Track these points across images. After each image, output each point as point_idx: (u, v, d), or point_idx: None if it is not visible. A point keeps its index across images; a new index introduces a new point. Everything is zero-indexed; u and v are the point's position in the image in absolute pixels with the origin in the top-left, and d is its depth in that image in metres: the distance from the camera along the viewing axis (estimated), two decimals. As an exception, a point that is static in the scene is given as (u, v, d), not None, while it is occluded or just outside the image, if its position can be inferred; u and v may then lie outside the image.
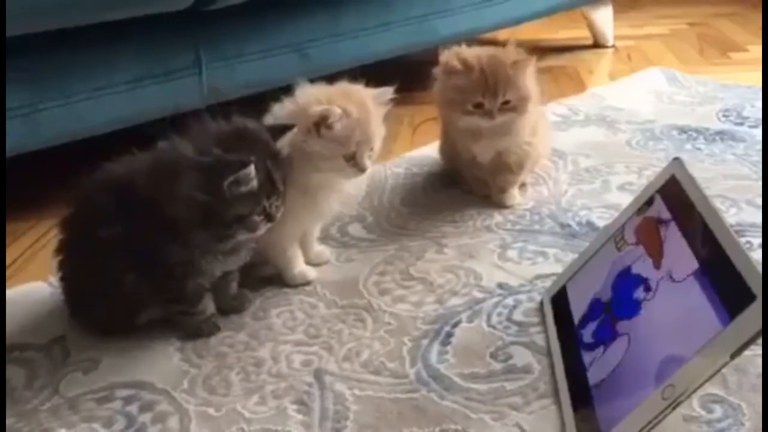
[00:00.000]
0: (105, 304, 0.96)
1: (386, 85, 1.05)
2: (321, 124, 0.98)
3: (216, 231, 0.90)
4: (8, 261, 1.22)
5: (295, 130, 0.96)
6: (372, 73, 1.11)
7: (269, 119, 1.02)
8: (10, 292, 1.10)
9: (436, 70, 1.23)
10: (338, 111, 0.98)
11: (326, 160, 1.01)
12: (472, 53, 1.20)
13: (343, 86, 1.05)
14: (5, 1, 1.03)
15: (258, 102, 1.06)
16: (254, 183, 0.88)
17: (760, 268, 0.64)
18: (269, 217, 0.93)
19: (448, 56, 1.20)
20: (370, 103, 1.03)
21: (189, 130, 0.93)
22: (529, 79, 1.20)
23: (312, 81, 1.06)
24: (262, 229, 0.93)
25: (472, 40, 1.40)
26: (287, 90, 1.04)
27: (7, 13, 1.05)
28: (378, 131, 1.04)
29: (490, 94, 1.17)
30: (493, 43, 1.24)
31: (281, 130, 0.95)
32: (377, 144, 1.05)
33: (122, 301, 0.95)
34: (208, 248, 0.93)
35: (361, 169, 1.03)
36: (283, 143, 0.95)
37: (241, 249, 0.97)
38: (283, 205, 0.95)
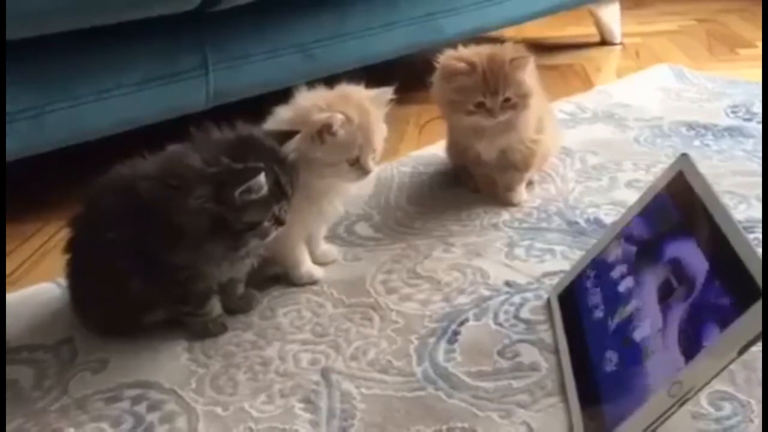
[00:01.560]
0: (109, 305, 0.97)
1: (389, 84, 1.05)
2: (324, 131, 0.98)
3: (227, 241, 0.91)
4: (17, 262, 1.23)
5: (299, 135, 0.96)
6: (377, 73, 1.11)
7: (270, 123, 1.02)
8: (19, 294, 1.10)
9: (434, 76, 1.22)
10: (340, 117, 0.98)
11: (330, 166, 1.01)
12: (470, 53, 1.20)
13: (342, 89, 1.05)
14: (5, 1, 1.03)
15: (261, 104, 1.07)
16: (265, 190, 0.88)
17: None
18: (279, 222, 0.94)
19: (445, 59, 1.21)
20: (369, 105, 1.03)
21: (194, 138, 0.93)
22: (529, 75, 1.20)
23: (313, 83, 1.06)
24: (273, 235, 0.94)
25: (478, 39, 1.40)
26: (290, 92, 1.05)
27: (12, 15, 1.06)
28: (379, 132, 1.04)
29: (490, 93, 1.17)
30: (498, 41, 1.24)
31: (286, 135, 0.95)
32: (380, 145, 1.05)
33: (127, 302, 0.95)
34: (219, 257, 0.93)
35: (366, 172, 1.03)
36: (289, 148, 0.95)
37: (250, 256, 0.97)
38: (290, 207, 0.95)
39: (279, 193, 0.92)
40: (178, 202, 0.88)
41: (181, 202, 0.87)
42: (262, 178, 0.87)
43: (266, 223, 0.92)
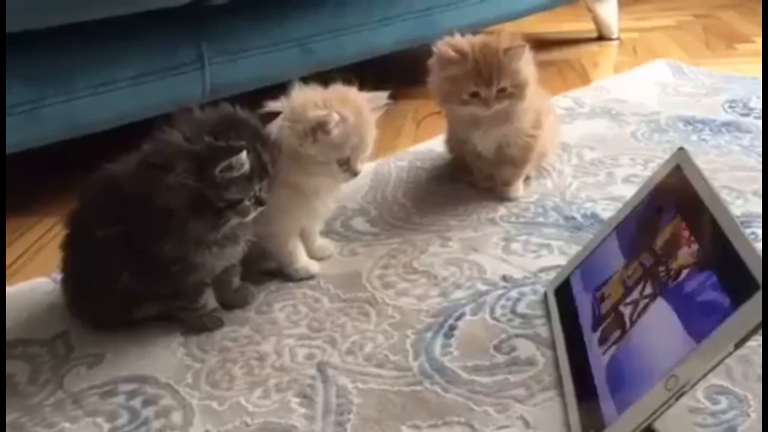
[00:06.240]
0: (100, 300, 0.96)
1: (387, 79, 1.05)
2: (318, 129, 0.98)
3: (208, 219, 0.90)
4: (12, 257, 1.22)
5: (282, 116, 0.97)
6: (375, 68, 1.11)
7: None
8: (15, 288, 1.10)
9: (431, 61, 1.22)
10: (336, 117, 0.97)
11: (320, 165, 1.01)
12: (465, 42, 1.19)
13: (338, 89, 1.04)
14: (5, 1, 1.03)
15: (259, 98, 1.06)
16: (246, 167, 0.88)
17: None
18: (259, 201, 0.93)
19: (441, 46, 1.20)
20: (365, 107, 1.02)
21: (176, 118, 0.92)
22: (525, 65, 1.19)
23: (308, 78, 1.05)
24: (253, 214, 0.93)
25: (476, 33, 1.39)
26: (287, 87, 1.04)
27: (10, 9, 1.05)
28: (372, 136, 1.04)
29: (484, 83, 1.16)
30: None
31: (269, 116, 0.96)
32: (370, 148, 1.05)
33: (118, 297, 0.95)
34: (202, 240, 0.92)
35: (354, 174, 1.03)
36: (272, 128, 0.95)
37: (238, 241, 0.96)
38: (269, 187, 0.95)
39: (261, 171, 0.92)
40: (159, 182, 0.87)
41: (162, 181, 0.87)
42: (243, 156, 0.87)
43: (246, 202, 0.91)
